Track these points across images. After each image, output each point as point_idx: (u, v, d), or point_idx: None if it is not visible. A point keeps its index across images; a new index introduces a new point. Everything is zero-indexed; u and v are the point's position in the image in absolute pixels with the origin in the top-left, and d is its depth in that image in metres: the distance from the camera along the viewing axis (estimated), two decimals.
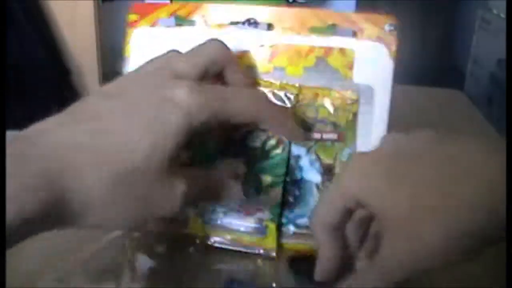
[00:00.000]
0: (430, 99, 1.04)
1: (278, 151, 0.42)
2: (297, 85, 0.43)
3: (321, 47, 0.42)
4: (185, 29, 0.46)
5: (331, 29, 0.43)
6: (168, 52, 0.38)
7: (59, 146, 0.31)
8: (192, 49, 0.38)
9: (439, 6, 2.89)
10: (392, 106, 0.48)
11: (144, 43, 0.48)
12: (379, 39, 0.44)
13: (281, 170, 0.43)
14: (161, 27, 0.46)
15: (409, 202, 0.31)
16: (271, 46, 0.42)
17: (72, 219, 0.31)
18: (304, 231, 0.45)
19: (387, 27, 0.46)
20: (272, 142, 0.42)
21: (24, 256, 0.50)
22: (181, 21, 0.46)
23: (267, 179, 0.43)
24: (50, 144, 0.31)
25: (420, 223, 0.30)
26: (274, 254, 0.45)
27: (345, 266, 0.37)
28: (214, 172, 0.41)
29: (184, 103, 0.32)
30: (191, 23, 0.46)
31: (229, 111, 0.35)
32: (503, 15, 2.22)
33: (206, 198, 0.41)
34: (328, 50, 0.42)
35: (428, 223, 0.30)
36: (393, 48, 0.45)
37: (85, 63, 2.31)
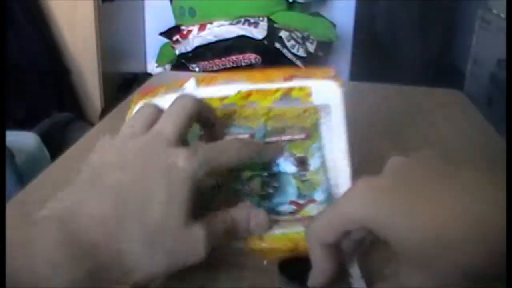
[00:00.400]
0: (430, 99, 1.04)
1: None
2: (264, 119, 0.52)
3: (285, 88, 0.52)
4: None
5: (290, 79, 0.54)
6: (144, 108, 0.47)
7: (94, 219, 0.37)
8: (170, 109, 0.45)
9: (439, 6, 2.89)
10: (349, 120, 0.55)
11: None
12: (328, 78, 0.54)
13: (258, 165, 0.50)
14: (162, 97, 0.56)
15: (422, 233, 0.31)
16: (246, 91, 0.52)
17: (117, 279, 0.36)
18: (286, 217, 0.48)
19: (331, 73, 0.55)
20: None
21: None
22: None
23: (247, 174, 0.50)
24: (86, 218, 0.37)
25: (434, 256, 0.31)
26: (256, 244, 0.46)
27: (338, 272, 0.37)
28: (227, 212, 0.45)
29: (187, 167, 0.39)
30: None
31: (222, 161, 0.43)
32: (503, 15, 2.22)
33: (227, 238, 0.45)
34: (291, 88, 0.52)
35: (443, 257, 0.31)
36: (340, 82, 0.55)
37: (85, 63, 2.31)
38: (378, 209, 0.33)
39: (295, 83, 0.53)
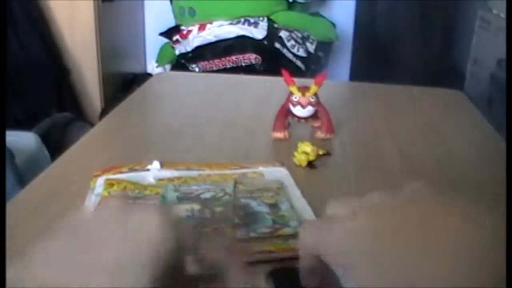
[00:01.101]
0: (430, 99, 1.04)
1: (227, 197, 0.59)
2: (233, 182, 0.63)
3: (240, 172, 0.66)
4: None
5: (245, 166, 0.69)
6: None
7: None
8: (133, 233, 0.35)
9: (439, 6, 2.89)
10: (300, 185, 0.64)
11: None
12: (278, 166, 0.69)
13: (230, 204, 0.58)
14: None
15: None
16: (206, 175, 0.65)
17: None
18: (260, 235, 0.54)
19: (277, 163, 0.69)
20: (221, 194, 0.60)
21: None
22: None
23: (218, 209, 0.57)
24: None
25: None
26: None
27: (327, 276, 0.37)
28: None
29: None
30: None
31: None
32: (503, 15, 2.22)
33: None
34: (245, 172, 0.66)
35: None
36: (287, 171, 0.67)
37: (85, 63, 2.31)
38: (338, 248, 0.32)
39: (247, 170, 0.66)
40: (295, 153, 0.71)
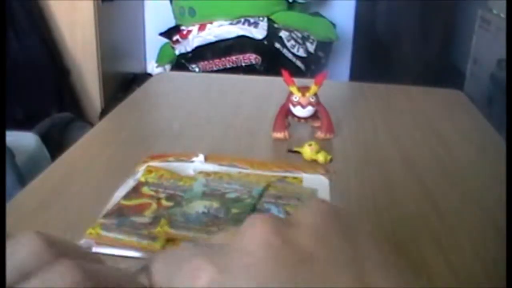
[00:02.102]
0: (430, 99, 1.04)
1: (249, 200, 0.59)
2: (264, 185, 0.63)
3: (280, 175, 0.66)
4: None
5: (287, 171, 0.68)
6: None
7: None
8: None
9: (439, 6, 2.89)
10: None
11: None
12: (319, 174, 0.67)
13: (248, 207, 0.57)
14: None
15: None
16: (246, 173, 0.66)
17: None
18: None
19: (321, 170, 0.68)
20: (245, 196, 0.60)
21: None
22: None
23: (235, 210, 0.56)
24: None
25: None
26: None
27: None
28: None
29: None
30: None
31: None
32: (503, 15, 2.22)
33: None
34: (285, 176, 0.66)
35: None
36: (327, 180, 0.66)
37: (85, 63, 2.31)
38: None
39: (289, 173, 0.66)
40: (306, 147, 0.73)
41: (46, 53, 2.19)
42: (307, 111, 0.79)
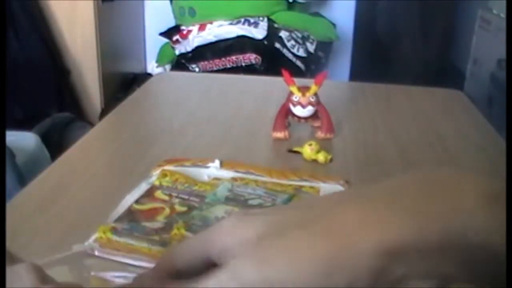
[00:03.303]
0: (430, 99, 1.04)
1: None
2: (290, 195, 0.61)
3: (297, 184, 0.64)
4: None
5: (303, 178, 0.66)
6: None
7: None
8: None
9: (439, 6, 2.89)
10: None
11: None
12: (336, 184, 0.65)
13: None
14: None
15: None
16: (262, 181, 0.64)
17: None
18: None
19: (341, 181, 0.65)
20: (268, 204, 0.58)
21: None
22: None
23: None
24: None
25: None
26: None
27: None
28: None
29: None
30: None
31: None
32: (503, 15, 2.22)
33: None
34: (301, 186, 0.63)
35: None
36: (345, 187, 0.64)
37: (85, 63, 2.31)
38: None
39: (306, 183, 0.64)
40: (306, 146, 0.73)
41: (46, 53, 2.19)
42: (307, 111, 0.79)
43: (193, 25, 2.37)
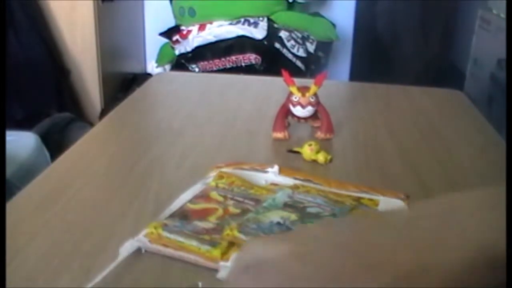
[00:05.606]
0: (430, 99, 1.04)
1: (329, 218, 0.57)
2: (350, 207, 0.60)
3: (355, 195, 0.62)
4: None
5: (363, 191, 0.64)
6: None
7: None
8: None
9: (439, 6, 2.89)
10: None
11: None
12: (396, 198, 0.61)
13: None
14: None
15: None
16: (321, 190, 0.62)
17: None
18: None
19: (401, 195, 0.61)
20: (326, 213, 0.57)
21: (23, 257, 0.50)
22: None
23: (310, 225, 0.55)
24: None
25: None
26: None
27: None
28: None
29: None
30: None
31: None
32: (503, 15, 2.21)
33: None
34: (360, 197, 0.62)
35: None
36: (405, 206, 0.60)
37: (85, 63, 2.31)
38: None
39: (365, 195, 0.62)
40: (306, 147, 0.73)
41: (46, 53, 2.19)
42: (307, 111, 0.79)
43: (193, 25, 2.37)
